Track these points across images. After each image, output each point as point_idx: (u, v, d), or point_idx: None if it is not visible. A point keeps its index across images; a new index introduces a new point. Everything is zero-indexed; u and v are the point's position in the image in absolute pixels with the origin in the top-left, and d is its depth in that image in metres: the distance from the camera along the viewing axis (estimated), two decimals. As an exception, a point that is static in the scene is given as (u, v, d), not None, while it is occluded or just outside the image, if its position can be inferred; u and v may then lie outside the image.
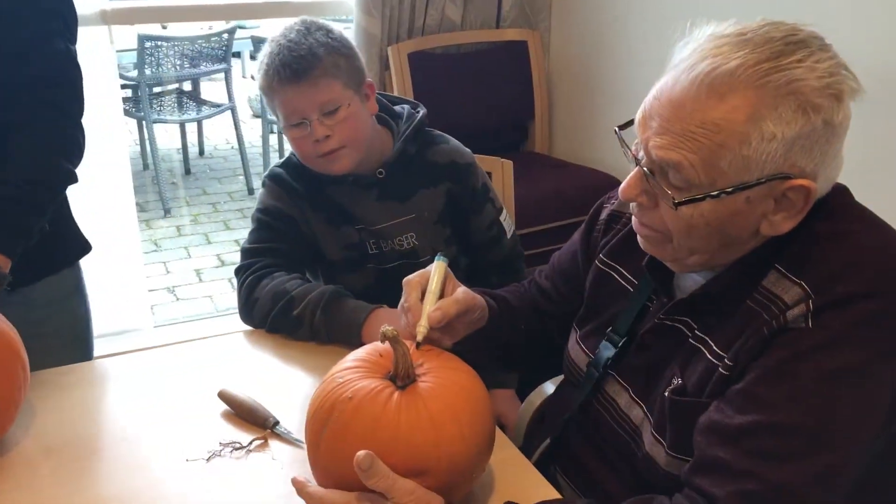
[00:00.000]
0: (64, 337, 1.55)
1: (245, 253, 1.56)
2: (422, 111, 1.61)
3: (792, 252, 0.95)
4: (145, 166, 4.81)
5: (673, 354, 1.05)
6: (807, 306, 0.91)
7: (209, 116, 4.66)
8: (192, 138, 5.18)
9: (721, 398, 0.96)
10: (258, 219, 1.57)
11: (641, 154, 0.96)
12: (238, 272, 1.54)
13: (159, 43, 4.08)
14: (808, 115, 0.88)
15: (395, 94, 2.67)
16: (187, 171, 4.87)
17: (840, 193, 0.98)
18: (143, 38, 3.95)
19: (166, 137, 5.41)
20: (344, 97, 1.45)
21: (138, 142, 4.86)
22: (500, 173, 1.98)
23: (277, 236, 1.55)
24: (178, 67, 4.24)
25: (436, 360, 1.02)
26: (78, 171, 1.39)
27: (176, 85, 4.78)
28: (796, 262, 0.95)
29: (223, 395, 1.23)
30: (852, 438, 0.90)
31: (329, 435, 0.96)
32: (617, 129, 1.01)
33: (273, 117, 1.53)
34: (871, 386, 0.90)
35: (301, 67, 1.41)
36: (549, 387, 1.42)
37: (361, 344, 1.36)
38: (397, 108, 1.63)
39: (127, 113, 4.32)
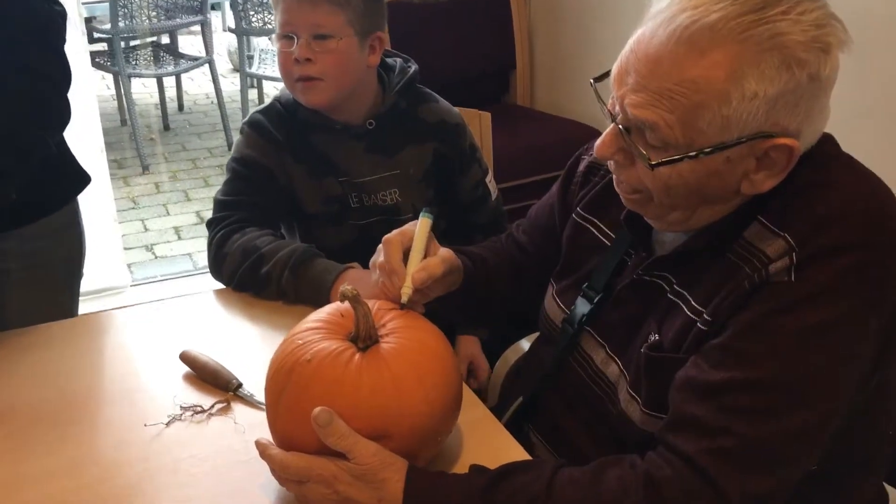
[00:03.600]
0: (54, 271, 1.51)
1: (218, 205, 1.51)
2: (414, 66, 1.58)
3: (775, 203, 0.91)
4: (123, 122, 4.70)
5: (650, 310, 1.02)
6: (790, 259, 0.87)
7: (186, 70, 4.55)
8: (171, 93, 5.07)
9: (698, 354, 0.92)
10: (233, 168, 1.52)
11: (617, 110, 0.91)
12: (209, 225, 1.49)
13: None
14: (793, 71, 0.83)
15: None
16: (166, 127, 4.77)
17: (825, 143, 0.93)
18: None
19: (146, 93, 5.30)
20: (341, 31, 1.40)
21: (115, 97, 4.75)
22: (477, 126, 1.93)
23: (252, 188, 1.50)
24: (153, 19, 4.12)
25: (400, 320, 0.98)
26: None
27: (153, 38, 4.66)
28: (779, 214, 0.91)
29: (185, 357, 1.18)
30: (833, 394, 0.87)
31: (288, 398, 0.92)
32: (592, 81, 0.95)
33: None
34: (854, 340, 0.87)
35: None
36: (525, 344, 1.39)
37: None
38: (389, 60, 1.59)
39: (101, 67, 4.22)
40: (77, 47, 2.47)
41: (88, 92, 2.54)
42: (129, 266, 3.19)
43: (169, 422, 1.08)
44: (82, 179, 1.53)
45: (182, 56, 4.55)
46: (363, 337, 0.93)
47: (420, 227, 1.05)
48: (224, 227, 1.46)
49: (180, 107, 5.10)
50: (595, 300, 1.09)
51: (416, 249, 1.04)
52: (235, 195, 1.49)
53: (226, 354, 1.19)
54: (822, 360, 0.86)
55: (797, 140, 0.87)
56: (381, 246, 1.06)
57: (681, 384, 0.92)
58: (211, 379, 1.15)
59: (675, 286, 0.99)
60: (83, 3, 3.87)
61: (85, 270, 1.89)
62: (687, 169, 0.89)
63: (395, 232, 1.05)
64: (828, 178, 0.91)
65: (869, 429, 0.99)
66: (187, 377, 1.18)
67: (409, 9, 2.71)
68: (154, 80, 4.66)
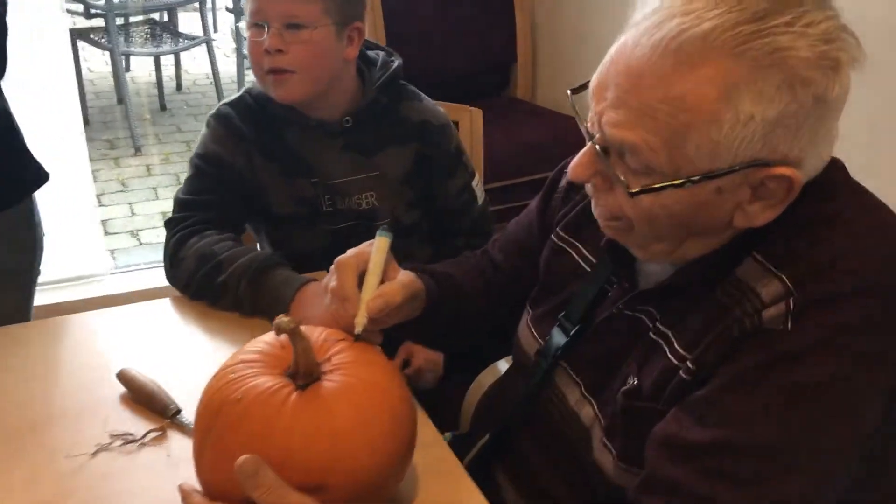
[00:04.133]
0: (5, 270, 1.42)
1: (178, 204, 1.40)
2: (397, 61, 1.48)
3: (772, 238, 0.80)
4: (119, 101, 4.60)
5: (630, 348, 0.91)
6: (786, 305, 0.76)
7: (183, 49, 4.42)
8: (171, 72, 4.96)
9: (680, 406, 0.81)
10: (196, 165, 1.41)
11: (595, 128, 0.80)
12: (168, 225, 1.38)
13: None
14: (795, 92, 0.72)
15: (367, 34, 2.48)
16: (162, 107, 4.66)
17: (833, 169, 0.82)
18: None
19: (146, 71, 5.18)
20: (317, 20, 1.30)
21: (112, 75, 4.64)
22: (468, 122, 1.82)
23: (215, 187, 1.39)
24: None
25: (349, 353, 0.87)
26: (21, 101, 1.25)
27: (150, 15, 4.54)
28: (776, 251, 0.80)
29: (122, 377, 1.08)
30: (831, 459, 0.76)
31: (214, 441, 0.81)
32: (570, 92, 0.84)
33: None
34: (857, 400, 0.76)
35: None
36: (503, 365, 1.28)
37: None
38: (371, 53, 1.48)
39: (96, 44, 4.11)
40: (56, 24, 2.36)
41: (67, 70, 2.42)
42: (111, 252, 3.09)
43: (95, 452, 0.98)
44: (39, 177, 1.43)
45: (180, 35, 4.44)
46: (302, 373, 0.83)
47: (377, 248, 0.94)
48: (182, 230, 1.35)
49: (178, 86, 4.99)
50: (571, 332, 0.98)
51: (371, 273, 0.93)
52: (197, 194, 1.39)
53: (172, 373, 1.09)
54: (820, 421, 0.75)
55: (798, 169, 0.76)
56: (333, 267, 0.95)
57: (659, 441, 0.81)
58: (147, 402, 1.05)
59: (658, 324, 0.88)
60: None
61: (63, 256, 1.82)
62: (671, 198, 0.77)
63: (349, 253, 0.94)
64: (833, 212, 0.80)
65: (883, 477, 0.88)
66: (124, 399, 1.07)
67: (408, 3, 2.59)
68: (158, 57, 4.55)
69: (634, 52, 0.75)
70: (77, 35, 4.08)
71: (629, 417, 0.86)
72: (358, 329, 0.89)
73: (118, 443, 0.99)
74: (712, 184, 0.76)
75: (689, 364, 0.81)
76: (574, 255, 1.02)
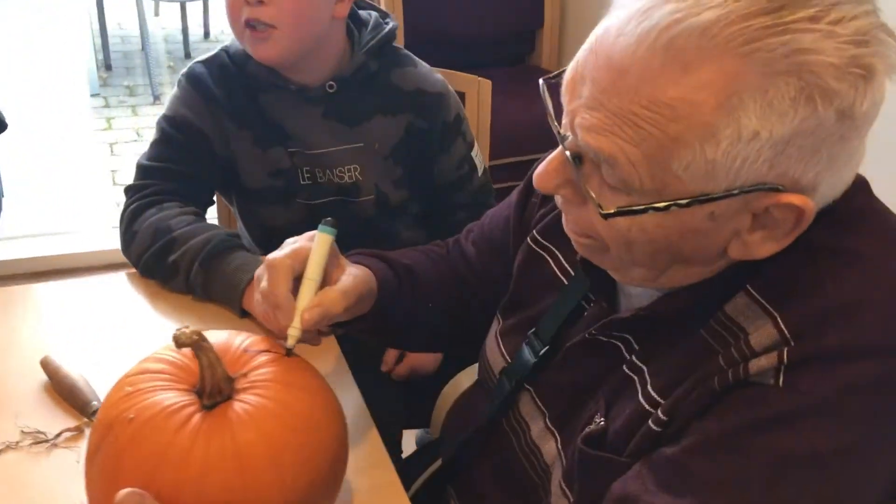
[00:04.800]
0: None
1: (139, 170, 1.28)
2: (392, 23, 1.33)
3: (771, 269, 0.66)
4: (143, 48, 4.49)
5: (601, 380, 0.79)
6: (779, 357, 0.63)
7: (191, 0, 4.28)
8: (199, 20, 4.84)
9: (645, 462, 0.69)
10: (162, 129, 1.28)
11: (568, 130, 0.66)
12: (126, 192, 1.26)
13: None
14: (815, 105, 0.57)
15: (382, -9, 2.33)
16: (187, 55, 4.52)
17: (854, 192, 0.67)
18: None
19: (175, 19, 5.06)
20: None
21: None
22: (475, 94, 1.68)
23: (181, 155, 1.27)
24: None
25: (272, 369, 0.75)
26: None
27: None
28: (775, 285, 0.66)
29: (45, 365, 0.98)
30: None
31: (102, 462, 0.70)
32: (543, 81, 0.70)
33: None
34: (858, 477, 0.63)
35: None
36: (466, 381, 1.16)
37: (242, 311, 1.12)
38: (363, 13, 1.34)
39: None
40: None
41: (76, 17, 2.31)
42: (117, 205, 3.01)
43: (0, 451, 0.88)
44: None
45: (206, -19, 4.31)
46: (209, 392, 0.71)
47: (317, 246, 0.81)
48: (140, 199, 1.23)
49: (206, 35, 4.86)
50: (540, 353, 0.86)
51: (308, 277, 0.80)
52: (161, 161, 1.27)
53: (106, 362, 0.98)
54: (809, 499, 0.62)
55: (811, 197, 0.62)
56: (264, 266, 0.82)
57: (618, 499, 0.69)
58: (67, 396, 0.94)
59: (634, 356, 0.76)
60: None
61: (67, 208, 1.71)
62: (653, 222, 0.64)
63: (284, 252, 0.81)
64: (850, 247, 0.65)
65: None
66: (46, 389, 0.97)
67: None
68: (184, 5, 4.42)
69: (617, 42, 0.60)
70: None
71: (588, 466, 0.74)
72: (290, 343, 0.77)
73: (28, 441, 0.89)
74: (704, 208, 0.62)
75: (660, 414, 0.69)
76: (551, 263, 0.89)
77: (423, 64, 1.38)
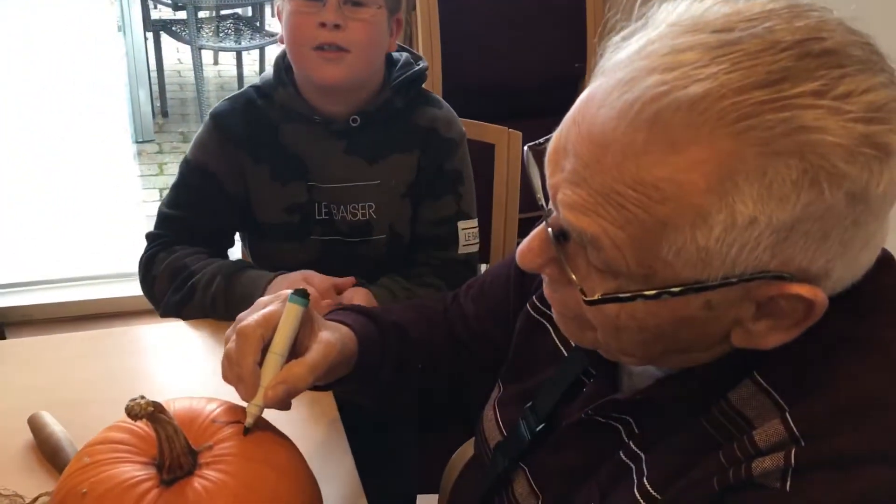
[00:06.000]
0: None
1: (159, 217, 1.32)
2: (422, 64, 1.33)
3: (781, 356, 0.59)
4: (197, 96, 4.59)
5: (597, 466, 0.72)
6: (787, 458, 0.56)
7: (253, 48, 4.36)
8: (256, 67, 4.94)
9: None
10: (181, 173, 1.32)
11: (550, 205, 0.61)
12: (147, 238, 1.31)
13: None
14: (821, 189, 0.51)
15: (420, 39, 2.33)
16: (241, 103, 4.63)
17: (878, 269, 0.60)
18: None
19: (233, 65, 5.18)
20: (377, 1, 1.20)
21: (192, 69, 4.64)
22: (504, 145, 1.64)
23: (196, 203, 1.30)
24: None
25: (237, 441, 0.71)
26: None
27: (232, 10, 4.51)
28: (785, 375, 0.59)
29: (32, 423, 0.95)
30: None
31: (55, 540, 0.66)
32: (526, 148, 0.65)
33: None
34: None
35: None
36: (471, 449, 1.09)
37: None
38: (395, 54, 1.34)
39: (176, 36, 4.10)
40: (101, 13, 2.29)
41: (113, 59, 2.35)
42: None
43: (-28, 515, 0.85)
44: None
45: (262, 31, 4.39)
46: (168, 467, 0.67)
47: (285, 318, 0.75)
48: (156, 246, 1.28)
49: (261, 82, 4.96)
50: (535, 431, 0.79)
51: (274, 350, 0.74)
52: (178, 208, 1.30)
53: (103, 421, 0.95)
54: None
55: (823, 285, 0.55)
56: (233, 328, 0.78)
57: None
58: (50, 457, 0.91)
59: (632, 442, 0.69)
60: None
61: (107, 252, 1.72)
62: (643, 310, 0.58)
63: (255, 318, 0.76)
64: (868, 334, 0.58)
65: None
66: (31, 448, 0.94)
67: (468, 3, 2.42)
68: (240, 53, 4.51)
69: (599, 114, 0.55)
70: (160, 26, 4.08)
71: None
72: (248, 421, 0.72)
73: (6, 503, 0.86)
74: (699, 297, 0.56)
75: None
76: (552, 332, 0.83)
77: (450, 110, 1.35)
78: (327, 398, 1.03)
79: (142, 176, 3.55)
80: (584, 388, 0.78)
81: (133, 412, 0.64)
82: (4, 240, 2.45)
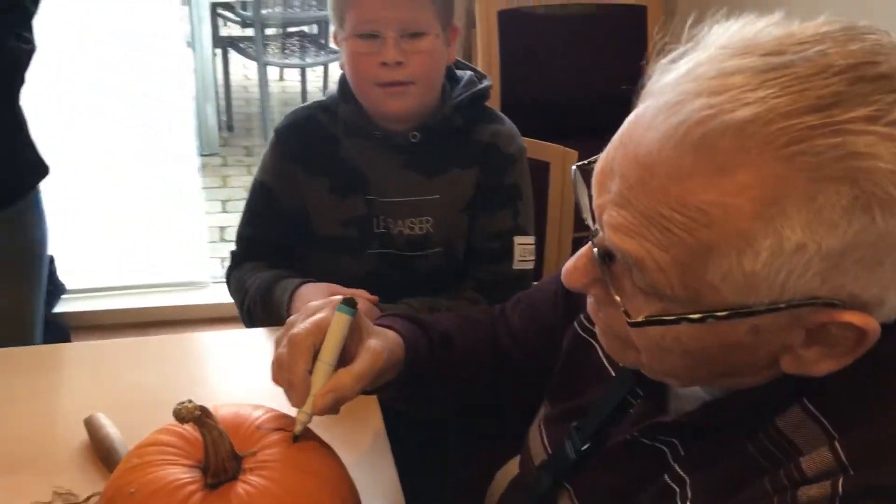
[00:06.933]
0: (10, 262, 1.43)
1: (236, 238, 1.38)
2: (486, 82, 1.33)
3: (832, 382, 0.58)
4: (262, 111, 4.69)
5: (642, 487, 0.71)
6: (834, 487, 0.54)
7: (319, 64, 4.44)
8: (320, 83, 5.02)
9: None
10: (251, 190, 1.36)
11: (596, 226, 0.61)
12: (230, 256, 1.39)
13: (277, -19, 3.90)
14: (873, 216, 0.50)
15: (479, 56, 2.34)
16: (305, 118, 4.72)
17: None
18: (260, -25, 3.79)
19: (298, 81, 5.28)
20: (431, 26, 1.20)
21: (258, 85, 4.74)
22: (560, 164, 1.63)
23: (262, 222, 1.35)
24: (302, 7, 4.05)
25: (280, 449, 0.72)
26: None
27: (302, 27, 4.61)
28: (835, 401, 0.58)
29: (88, 424, 0.98)
30: None
31: (103, 537, 0.68)
32: (574, 168, 0.65)
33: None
34: None
35: None
36: (515, 467, 1.09)
37: None
38: (459, 72, 1.35)
39: (243, 52, 4.20)
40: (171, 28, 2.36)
41: (181, 73, 2.42)
42: (222, 261, 3.10)
43: (27, 510, 0.87)
44: (40, 170, 1.44)
45: (326, 48, 4.47)
46: (213, 470, 0.68)
47: (333, 328, 0.76)
48: (230, 265, 1.37)
49: (325, 97, 5.04)
50: (581, 450, 0.79)
51: (323, 360, 0.75)
52: (247, 227, 1.37)
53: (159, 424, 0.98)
54: None
55: (876, 312, 0.53)
56: (284, 331, 0.79)
57: None
58: (103, 458, 0.94)
59: (678, 465, 0.68)
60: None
61: (171, 261, 1.79)
62: (688, 333, 0.57)
63: (306, 325, 0.77)
64: None
65: None
66: (86, 448, 0.97)
67: (525, 18, 2.42)
68: (304, 70, 4.60)
69: (646, 136, 0.54)
70: (228, 43, 4.19)
71: None
72: (297, 429, 0.73)
73: (57, 502, 0.88)
74: (745, 322, 0.55)
75: None
76: (599, 351, 0.82)
77: (513, 126, 1.35)
78: (373, 408, 1.04)
79: (205, 188, 3.64)
80: (630, 408, 0.77)
81: (180, 415, 0.66)
82: (74, 247, 2.53)
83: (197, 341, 1.27)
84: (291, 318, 0.79)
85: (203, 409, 0.66)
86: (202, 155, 3.84)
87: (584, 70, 2.49)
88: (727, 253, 0.52)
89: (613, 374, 0.80)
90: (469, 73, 1.35)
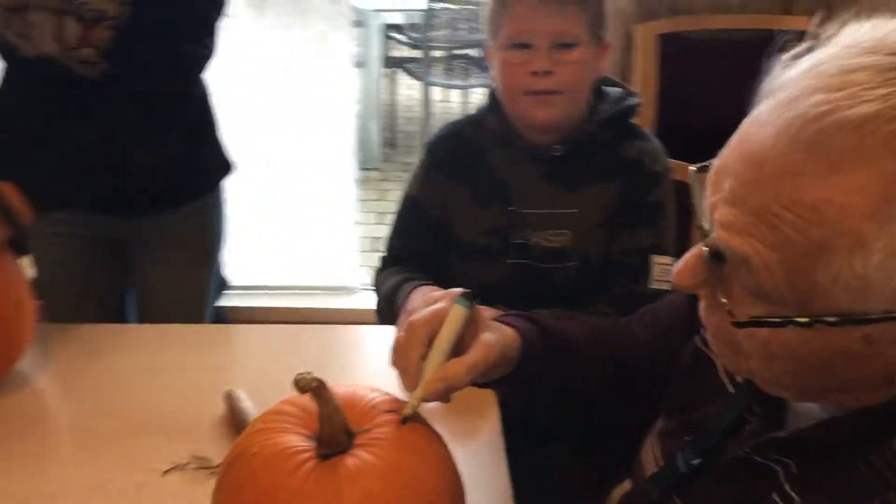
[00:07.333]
0: (189, 250, 1.56)
1: (386, 244, 1.46)
2: (636, 99, 1.35)
3: None
4: (423, 129, 4.84)
5: (752, 504, 0.69)
6: None
7: (480, 86, 4.49)
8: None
9: None
10: (401, 202, 1.43)
11: (708, 225, 0.61)
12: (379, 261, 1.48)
13: (447, 5, 4.02)
14: None
15: (637, 78, 2.31)
16: (465, 137, 4.82)
17: None
18: (430, -1, 3.93)
19: (459, 102, 5.40)
20: (581, 37, 1.24)
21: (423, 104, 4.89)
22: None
23: (404, 228, 1.43)
24: (468, 31, 4.17)
25: (391, 428, 0.75)
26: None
27: (468, 51, 4.72)
28: None
29: (227, 398, 1.06)
30: None
31: (225, 492, 0.74)
32: (692, 169, 0.65)
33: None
34: None
35: None
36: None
37: None
38: (606, 88, 1.37)
39: (409, 72, 4.36)
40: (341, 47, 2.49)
41: (346, 91, 2.55)
42: (372, 269, 3.21)
43: (168, 470, 0.95)
44: (227, 168, 1.56)
45: (487, 70, 4.55)
46: (326, 441, 0.72)
47: (449, 319, 0.78)
48: (379, 271, 1.44)
49: (485, 118, 5.13)
50: (693, 464, 0.77)
51: (437, 349, 0.78)
52: (394, 235, 1.44)
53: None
54: None
55: None
56: (404, 320, 0.82)
57: None
58: (238, 430, 1.01)
59: (788, 486, 0.65)
60: (403, 10, 4.05)
61: (322, 267, 1.91)
62: (796, 338, 0.56)
63: (424, 313, 0.80)
64: None
65: None
66: (224, 420, 1.05)
67: (687, 44, 2.37)
68: (466, 91, 4.71)
69: (760, 132, 0.55)
70: (396, 63, 4.36)
71: None
72: (407, 411, 0.76)
73: (193, 466, 0.96)
74: (857, 330, 0.53)
75: None
76: (717, 366, 0.80)
77: (659, 145, 1.35)
78: (492, 409, 1.06)
79: (364, 200, 3.80)
80: (746, 425, 0.74)
81: (299, 385, 0.70)
82: (241, 248, 2.72)
83: (341, 334, 1.34)
84: (411, 306, 0.82)
85: (320, 382, 0.71)
86: (363, 169, 4.01)
87: (742, 96, 2.41)
88: (838, 253, 0.51)
89: (731, 390, 0.78)
90: (618, 90, 1.36)
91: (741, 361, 0.63)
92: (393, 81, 4.49)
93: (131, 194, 1.40)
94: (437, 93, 5.02)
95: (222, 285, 2.65)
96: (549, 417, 1.12)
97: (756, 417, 0.74)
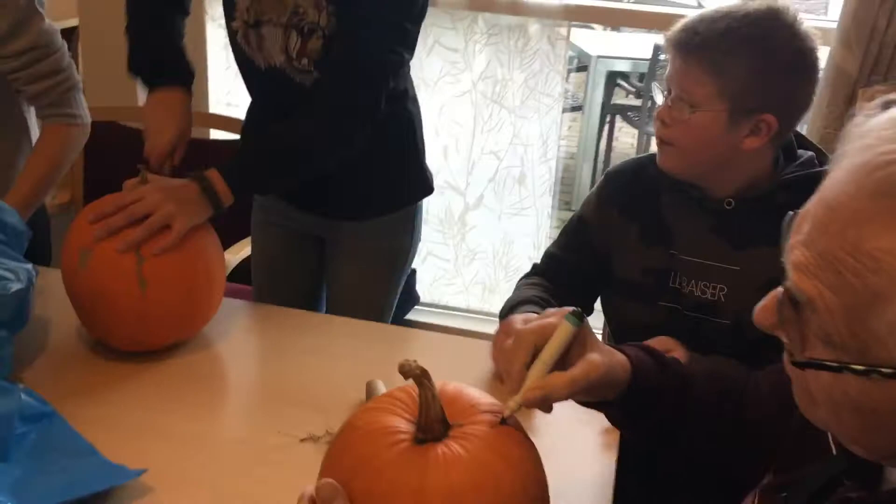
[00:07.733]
0: (382, 259, 1.66)
1: (544, 253, 1.51)
2: (826, 168, 1.30)
3: None
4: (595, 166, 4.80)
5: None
6: None
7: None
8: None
9: None
10: (572, 220, 1.49)
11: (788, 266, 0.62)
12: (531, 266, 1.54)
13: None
14: None
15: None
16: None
17: None
18: (657, 48, 3.92)
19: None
20: (706, 102, 1.23)
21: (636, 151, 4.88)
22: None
23: (565, 244, 1.48)
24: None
25: (485, 427, 0.80)
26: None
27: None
28: None
29: (368, 386, 1.16)
30: None
31: (332, 455, 0.83)
32: (791, 213, 0.66)
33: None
34: None
35: (690, 41, 1.25)
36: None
37: None
38: (801, 151, 1.35)
39: (629, 120, 4.37)
40: (552, 96, 2.57)
41: (552, 134, 2.62)
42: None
43: (304, 439, 1.07)
44: (426, 188, 1.65)
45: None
46: (423, 427, 0.79)
47: (557, 333, 0.83)
48: (526, 274, 1.48)
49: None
50: (782, 523, 0.76)
51: (541, 360, 0.83)
52: (554, 247, 1.49)
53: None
54: None
55: None
56: (515, 331, 0.88)
57: None
58: (370, 415, 1.10)
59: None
60: (625, 59, 4.09)
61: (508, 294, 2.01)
62: (856, 387, 0.56)
63: (534, 325, 0.86)
64: None
65: None
66: (360, 405, 1.15)
67: None
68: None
69: (836, 176, 0.56)
70: (617, 110, 4.40)
71: None
72: (506, 413, 0.81)
73: (325, 439, 1.06)
74: None
75: None
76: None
77: None
78: (613, 443, 1.07)
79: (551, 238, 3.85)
80: (840, 487, 0.72)
81: (403, 369, 0.78)
82: (432, 267, 2.87)
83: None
84: (520, 316, 0.87)
85: (423, 371, 0.78)
86: (567, 210, 4.06)
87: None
88: (893, 303, 0.50)
89: (834, 451, 0.76)
90: (811, 153, 1.33)
91: (815, 410, 0.62)
92: (611, 127, 4.52)
93: (336, 198, 1.55)
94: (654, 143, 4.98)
95: (413, 300, 2.81)
96: (664, 462, 1.12)
97: (850, 482, 0.71)
